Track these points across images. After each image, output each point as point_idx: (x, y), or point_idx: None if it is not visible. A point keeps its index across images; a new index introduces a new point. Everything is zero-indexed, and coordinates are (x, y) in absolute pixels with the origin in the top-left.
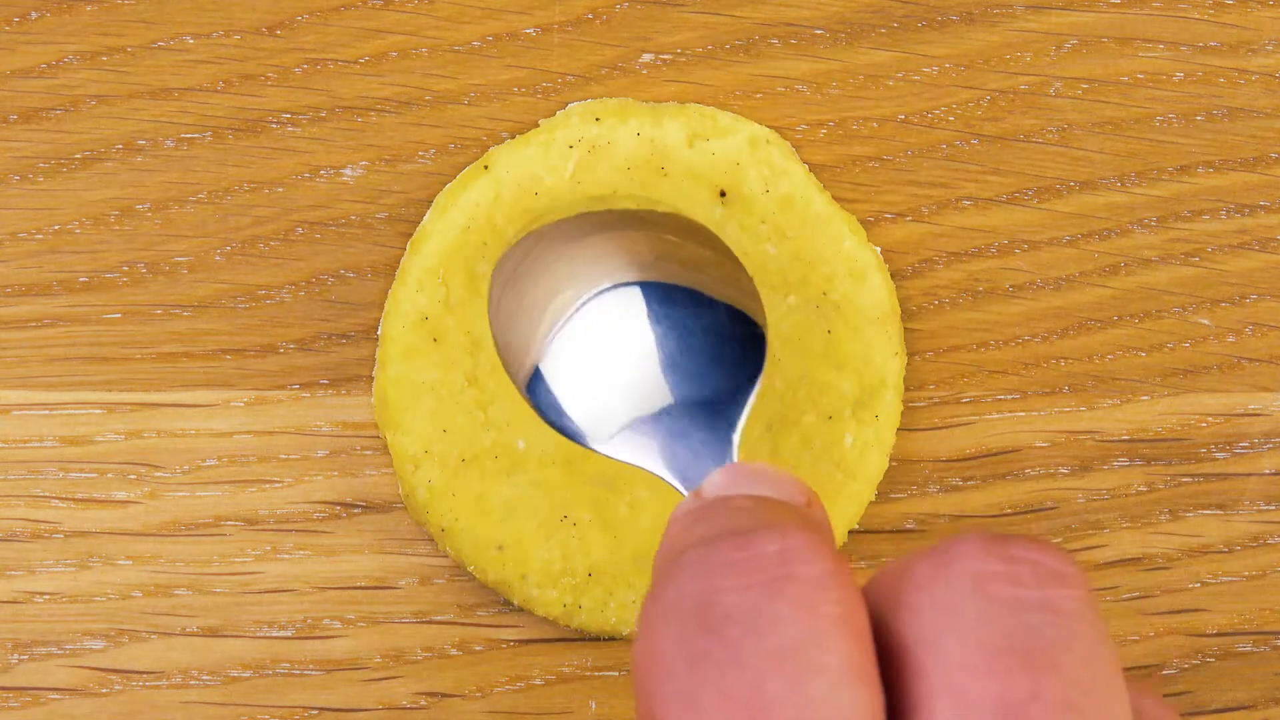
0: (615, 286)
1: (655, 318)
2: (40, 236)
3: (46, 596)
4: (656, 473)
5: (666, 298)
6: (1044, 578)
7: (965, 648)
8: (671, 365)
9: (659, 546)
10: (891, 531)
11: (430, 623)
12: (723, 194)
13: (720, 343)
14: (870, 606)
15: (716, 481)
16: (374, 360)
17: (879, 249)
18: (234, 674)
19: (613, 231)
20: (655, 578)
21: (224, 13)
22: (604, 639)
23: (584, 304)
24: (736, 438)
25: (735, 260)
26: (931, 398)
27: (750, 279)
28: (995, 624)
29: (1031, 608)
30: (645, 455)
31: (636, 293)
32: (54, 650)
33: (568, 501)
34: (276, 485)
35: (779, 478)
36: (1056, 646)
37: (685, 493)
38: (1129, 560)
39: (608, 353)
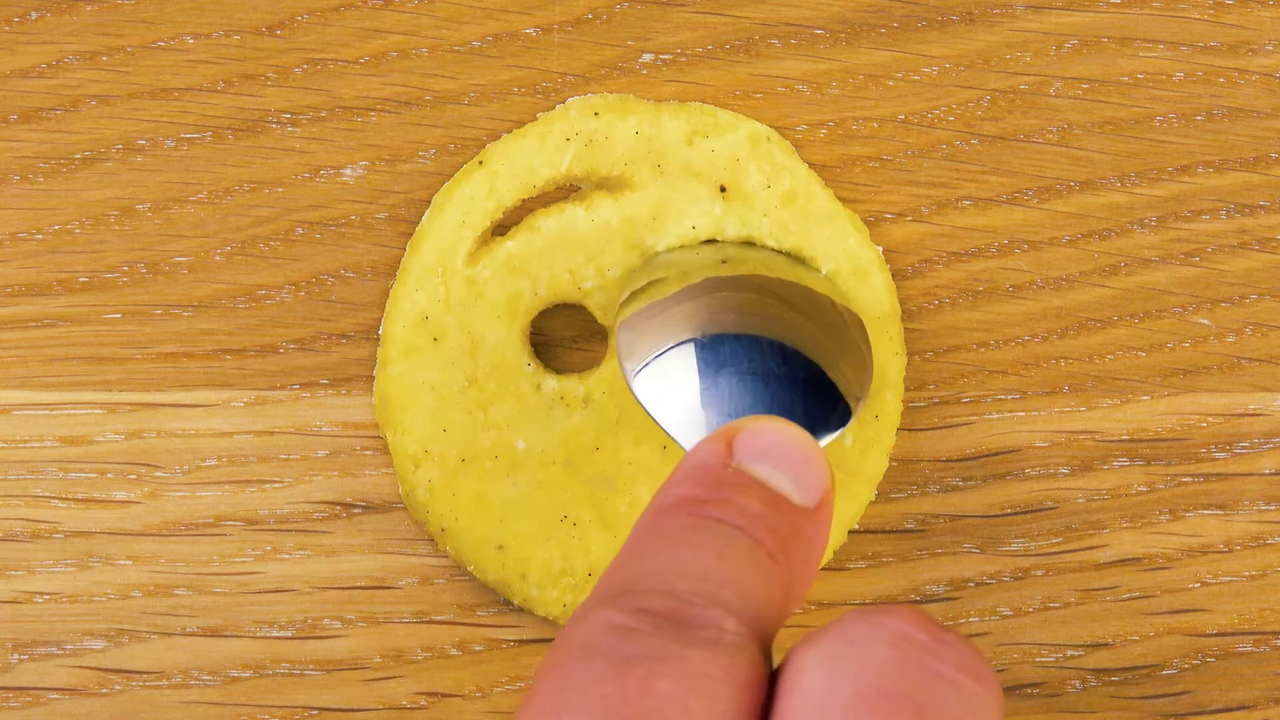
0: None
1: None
2: (40, 236)
3: (46, 596)
4: (663, 424)
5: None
6: (963, 666)
7: (865, 679)
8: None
9: (653, 498)
10: (891, 531)
11: (430, 623)
12: (723, 189)
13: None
14: (798, 653)
15: (749, 442)
16: (374, 360)
17: (880, 248)
18: (234, 674)
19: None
20: (617, 558)
21: (224, 13)
22: None
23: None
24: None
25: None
26: (931, 398)
27: (866, 359)
28: (902, 673)
29: (941, 678)
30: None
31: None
32: (54, 650)
33: (568, 501)
34: (276, 485)
35: (805, 463)
36: (949, 714)
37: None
38: (1129, 560)
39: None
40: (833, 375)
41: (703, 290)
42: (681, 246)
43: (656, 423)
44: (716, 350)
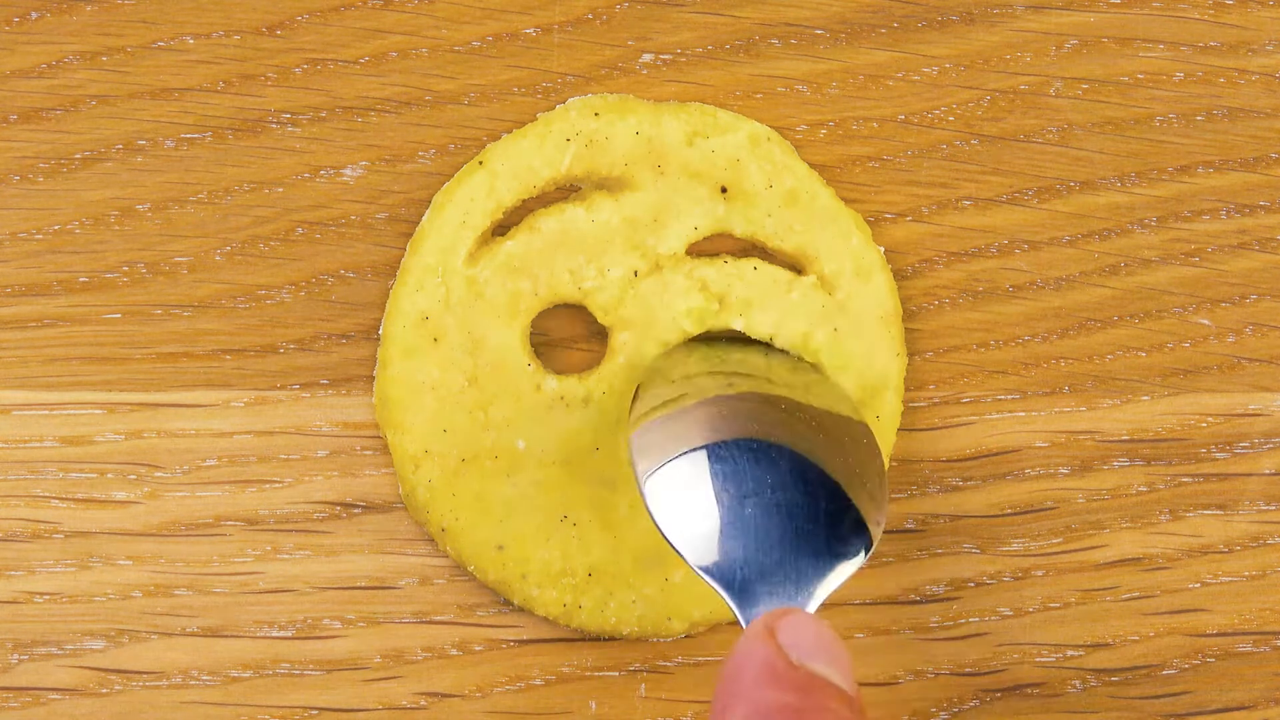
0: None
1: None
2: (40, 236)
3: (46, 596)
4: (713, 585)
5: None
6: None
7: None
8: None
9: (724, 666)
10: (891, 531)
11: (430, 623)
12: (724, 190)
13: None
14: None
15: (793, 638)
16: (374, 360)
17: (880, 248)
18: (234, 674)
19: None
20: (722, 702)
21: (224, 13)
22: (604, 639)
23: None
24: (815, 603)
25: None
26: (932, 398)
27: (880, 477)
28: None
29: None
30: (703, 549)
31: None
32: (54, 650)
33: (568, 501)
34: (276, 485)
35: (843, 656)
36: None
37: (741, 618)
38: (1129, 560)
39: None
40: (854, 494)
41: (715, 403)
42: (673, 350)
43: (670, 543)
44: (736, 471)
